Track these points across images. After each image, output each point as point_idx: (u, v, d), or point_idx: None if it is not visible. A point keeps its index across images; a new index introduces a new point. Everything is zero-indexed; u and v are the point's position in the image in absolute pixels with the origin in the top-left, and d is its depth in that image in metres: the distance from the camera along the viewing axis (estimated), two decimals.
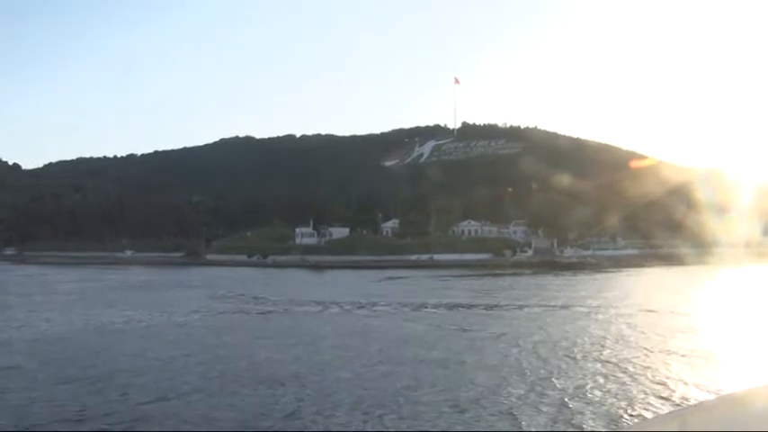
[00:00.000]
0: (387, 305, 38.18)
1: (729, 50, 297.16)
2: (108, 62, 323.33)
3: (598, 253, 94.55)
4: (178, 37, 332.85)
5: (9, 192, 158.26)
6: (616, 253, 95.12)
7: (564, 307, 35.64)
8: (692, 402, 13.99)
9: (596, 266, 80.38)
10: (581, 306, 35.91)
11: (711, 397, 13.33)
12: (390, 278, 67.54)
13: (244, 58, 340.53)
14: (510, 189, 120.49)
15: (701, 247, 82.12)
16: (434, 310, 35.43)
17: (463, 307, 36.85)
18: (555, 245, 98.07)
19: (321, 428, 13.73)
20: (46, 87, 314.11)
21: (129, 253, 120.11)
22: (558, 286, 52.94)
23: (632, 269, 75.87)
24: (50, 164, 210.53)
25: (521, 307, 35.91)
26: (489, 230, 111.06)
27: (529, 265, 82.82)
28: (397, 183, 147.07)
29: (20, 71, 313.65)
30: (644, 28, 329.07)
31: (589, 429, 12.94)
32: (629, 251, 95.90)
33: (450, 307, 36.90)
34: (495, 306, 37.01)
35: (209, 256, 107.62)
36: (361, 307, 37.47)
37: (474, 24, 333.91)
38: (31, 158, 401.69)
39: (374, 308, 37.06)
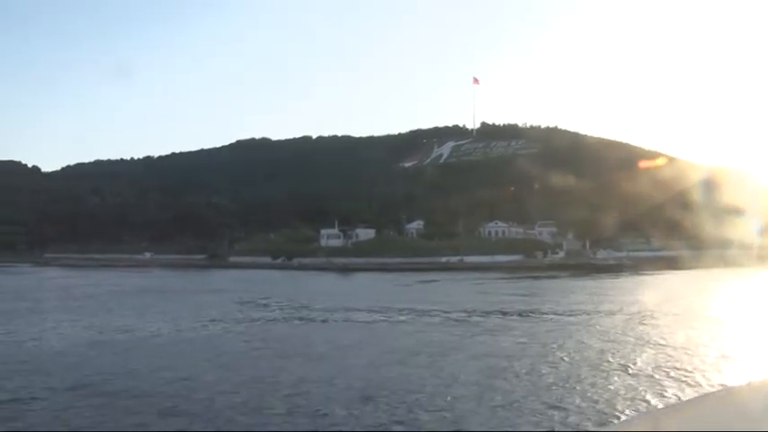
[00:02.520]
0: (481, 315, 34.19)
1: (752, 46, 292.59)
2: (122, 65, 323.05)
3: (632, 254, 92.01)
4: (192, 39, 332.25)
5: (28, 194, 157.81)
6: (650, 254, 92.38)
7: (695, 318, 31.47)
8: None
9: (634, 268, 77.96)
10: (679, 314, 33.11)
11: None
12: (425, 281, 65.67)
13: (259, 59, 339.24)
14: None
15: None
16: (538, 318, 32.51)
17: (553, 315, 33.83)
18: (587, 246, 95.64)
19: None
20: (62, 91, 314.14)
21: (148, 255, 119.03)
22: (618, 290, 50.48)
23: (672, 271, 73.39)
24: (68, 166, 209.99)
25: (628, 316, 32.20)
26: (516, 231, 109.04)
27: (564, 268, 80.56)
28: (416, 184, 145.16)
29: (37, 75, 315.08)
30: (666, 26, 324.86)
31: (575, 429, 13.07)
32: (664, 252, 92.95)
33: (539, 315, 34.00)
34: (581, 312, 34.20)
35: (233, 259, 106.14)
36: (458, 320, 32.63)
37: (493, 23, 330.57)
38: (49, 161, 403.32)
39: (470, 318, 33.34)
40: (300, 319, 34.54)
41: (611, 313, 33.62)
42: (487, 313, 34.85)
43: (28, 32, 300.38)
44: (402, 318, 33.97)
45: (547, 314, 34.20)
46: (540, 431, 13.27)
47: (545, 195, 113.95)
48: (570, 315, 33.53)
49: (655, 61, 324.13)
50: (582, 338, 25.49)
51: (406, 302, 41.59)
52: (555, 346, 23.77)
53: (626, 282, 60.13)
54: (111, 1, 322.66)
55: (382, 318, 34.14)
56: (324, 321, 33.43)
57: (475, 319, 32.92)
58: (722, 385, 15.70)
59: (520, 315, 34.30)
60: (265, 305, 41.70)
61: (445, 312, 35.30)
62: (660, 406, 14.01)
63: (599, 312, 34.41)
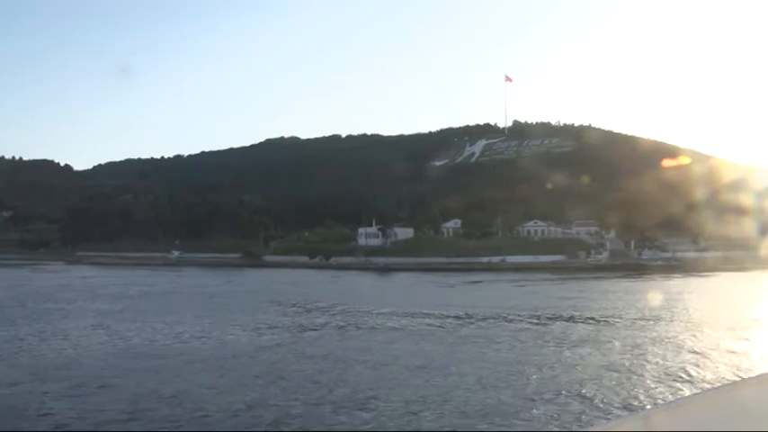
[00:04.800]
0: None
1: None
2: (152, 65, 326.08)
3: (678, 255, 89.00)
4: (222, 39, 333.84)
5: (61, 192, 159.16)
6: (697, 255, 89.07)
7: None
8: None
9: (685, 269, 75.27)
10: None
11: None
12: (472, 282, 64.19)
13: (287, 57, 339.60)
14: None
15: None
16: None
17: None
18: (632, 246, 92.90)
19: None
20: (93, 90, 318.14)
21: (176, 254, 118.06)
22: (692, 293, 48.27)
23: (727, 273, 70.54)
24: (99, 165, 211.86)
25: None
26: (555, 231, 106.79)
27: (611, 268, 78.18)
28: (448, 182, 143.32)
29: (68, 75, 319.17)
30: (704, 24, 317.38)
31: (563, 429, 13.30)
32: (712, 253, 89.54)
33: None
34: None
35: (268, 257, 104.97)
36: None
37: (524, 21, 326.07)
38: (80, 160, 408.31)
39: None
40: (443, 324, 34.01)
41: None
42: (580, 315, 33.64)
43: (61, 33, 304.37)
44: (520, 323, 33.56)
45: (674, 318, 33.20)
46: (537, 431, 13.49)
47: (580, 194, 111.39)
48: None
49: (691, 58, 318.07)
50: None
51: (484, 305, 40.33)
52: None
53: (687, 283, 57.71)
54: (139, 2, 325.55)
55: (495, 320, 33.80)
56: (473, 320, 33.84)
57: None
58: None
59: (632, 320, 33.00)
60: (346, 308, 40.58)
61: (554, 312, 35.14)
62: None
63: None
